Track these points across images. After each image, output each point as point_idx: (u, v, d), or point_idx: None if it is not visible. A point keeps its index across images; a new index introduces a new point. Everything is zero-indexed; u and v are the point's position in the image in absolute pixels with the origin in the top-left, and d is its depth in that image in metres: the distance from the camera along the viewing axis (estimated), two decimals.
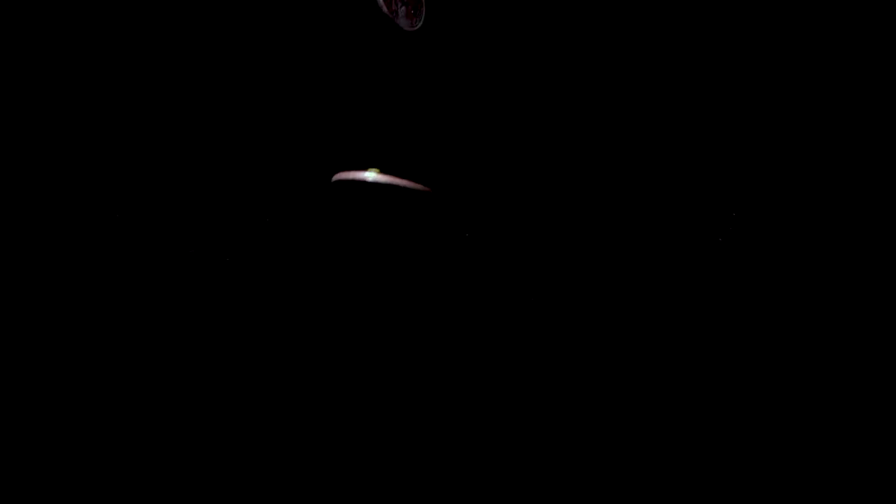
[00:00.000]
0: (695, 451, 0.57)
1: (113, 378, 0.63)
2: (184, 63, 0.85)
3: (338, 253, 0.69)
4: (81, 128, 0.79)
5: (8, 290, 0.67)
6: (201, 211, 0.72)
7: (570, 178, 0.74)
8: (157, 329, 0.64)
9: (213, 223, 0.71)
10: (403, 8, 0.66)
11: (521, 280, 0.66)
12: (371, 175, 0.64)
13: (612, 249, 0.68)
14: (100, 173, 0.76)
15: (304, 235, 0.70)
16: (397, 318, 0.64)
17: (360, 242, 0.70)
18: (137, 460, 0.57)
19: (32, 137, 0.79)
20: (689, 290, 0.65)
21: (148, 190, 0.74)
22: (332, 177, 0.65)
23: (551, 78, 0.83)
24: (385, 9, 0.63)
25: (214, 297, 0.66)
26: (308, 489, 0.55)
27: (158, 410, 0.59)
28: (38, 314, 0.64)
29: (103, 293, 0.66)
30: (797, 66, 0.83)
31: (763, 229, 0.69)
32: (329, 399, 0.60)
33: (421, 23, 0.62)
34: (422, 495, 0.55)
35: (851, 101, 0.80)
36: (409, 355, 0.62)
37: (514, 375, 0.61)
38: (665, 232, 0.70)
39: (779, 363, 0.61)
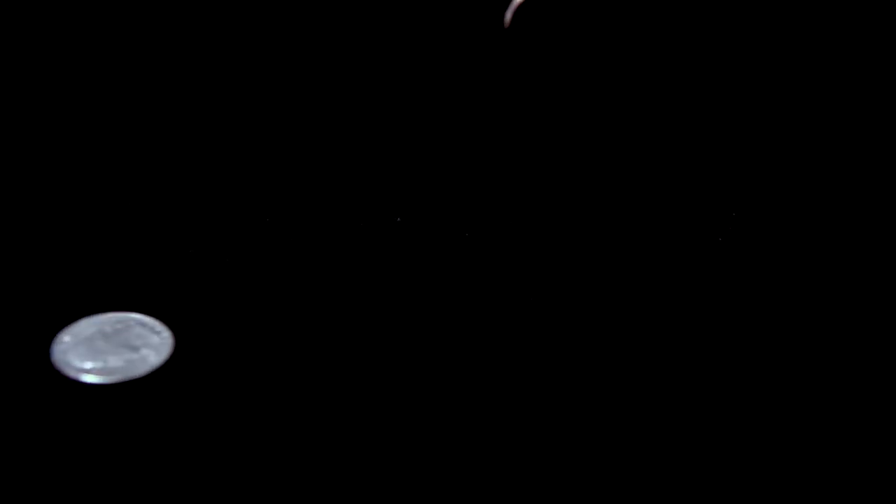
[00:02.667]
0: (695, 451, 0.57)
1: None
2: (183, 62, 0.85)
3: (338, 253, 0.69)
4: (81, 127, 0.79)
5: (7, 290, 0.67)
6: (201, 211, 0.73)
7: (569, 177, 0.74)
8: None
9: (213, 223, 0.71)
10: None
11: (521, 280, 0.66)
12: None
13: (612, 249, 0.68)
14: (99, 173, 0.76)
15: (304, 235, 0.70)
16: (397, 318, 0.64)
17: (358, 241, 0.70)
18: (135, 461, 0.57)
19: (31, 137, 0.79)
20: (688, 290, 0.65)
21: (148, 190, 0.74)
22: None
23: (550, 75, 0.83)
24: None
25: (214, 297, 0.66)
26: (307, 489, 0.55)
27: (156, 411, 0.59)
28: (37, 313, 0.65)
29: (103, 293, 0.66)
30: (797, 66, 0.83)
31: (763, 229, 0.69)
32: (328, 399, 0.60)
33: None
34: (421, 495, 0.55)
35: (851, 101, 0.80)
36: (409, 355, 0.62)
37: (514, 375, 0.61)
38: (665, 232, 0.70)
39: (779, 363, 0.61)
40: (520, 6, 0.58)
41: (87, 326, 0.62)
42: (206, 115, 0.80)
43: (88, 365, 0.60)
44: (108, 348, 0.61)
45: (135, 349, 0.61)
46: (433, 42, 0.86)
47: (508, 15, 0.57)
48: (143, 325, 0.62)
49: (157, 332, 0.62)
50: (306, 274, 0.67)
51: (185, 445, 0.57)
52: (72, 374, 0.60)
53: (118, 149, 0.76)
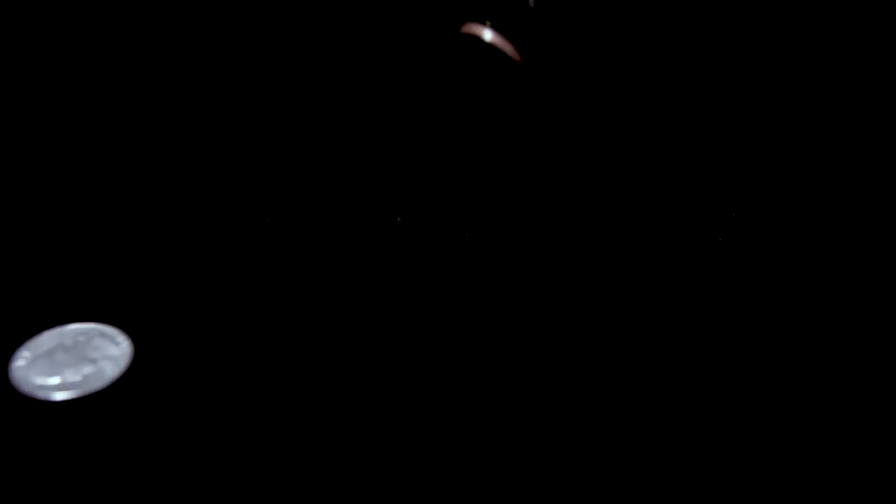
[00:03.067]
0: (694, 451, 0.57)
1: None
2: (183, 62, 0.85)
3: (338, 252, 0.69)
4: (80, 127, 0.80)
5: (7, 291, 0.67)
6: (201, 211, 0.73)
7: (569, 177, 0.74)
8: (156, 329, 0.64)
9: (212, 223, 0.72)
10: None
11: (520, 280, 0.67)
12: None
13: (612, 249, 0.69)
14: (99, 173, 0.76)
15: (305, 235, 0.71)
16: (397, 318, 0.64)
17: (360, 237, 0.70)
18: (133, 461, 0.57)
19: (31, 136, 0.79)
20: (688, 290, 0.66)
21: (147, 190, 0.75)
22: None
23: (549, 75, 0.83)
24: None
25: (214, 297, 0.66)
26: (306, 489, 0.56)
27: (156, 411, 0.60)
28: (37, 312, 0.65)
29: (102, 293, 0.66)
30: (797, 66, 0.84)
31: (763, 229, 0.70)
32: (328, 400, 0.60)
33: None
34: (420, 495, 0.55)
35: (851, 101, 0.80)
36: (409, 355, 0.62)
37: (514, 375, 0.61)
38: (665, 232, 0.70)
39: (779, 363, 0.61)
40: None
41: (48, 340, 0.62)
42: (177, 120, 0.80)
43: (47, 381, 0.60)
44: (68, 361, 0.61)
45: (93, 361, 0.61)
46: (433, 43, 0.86)
47: None
48: (102, 335, 0.62)
49: (117, 343, 0.62)
50: (295, 273, 0.67)
51: (146, 449, 0.57)
52: (30, 390, 0.60)
53: (75, 161, 0.76)
